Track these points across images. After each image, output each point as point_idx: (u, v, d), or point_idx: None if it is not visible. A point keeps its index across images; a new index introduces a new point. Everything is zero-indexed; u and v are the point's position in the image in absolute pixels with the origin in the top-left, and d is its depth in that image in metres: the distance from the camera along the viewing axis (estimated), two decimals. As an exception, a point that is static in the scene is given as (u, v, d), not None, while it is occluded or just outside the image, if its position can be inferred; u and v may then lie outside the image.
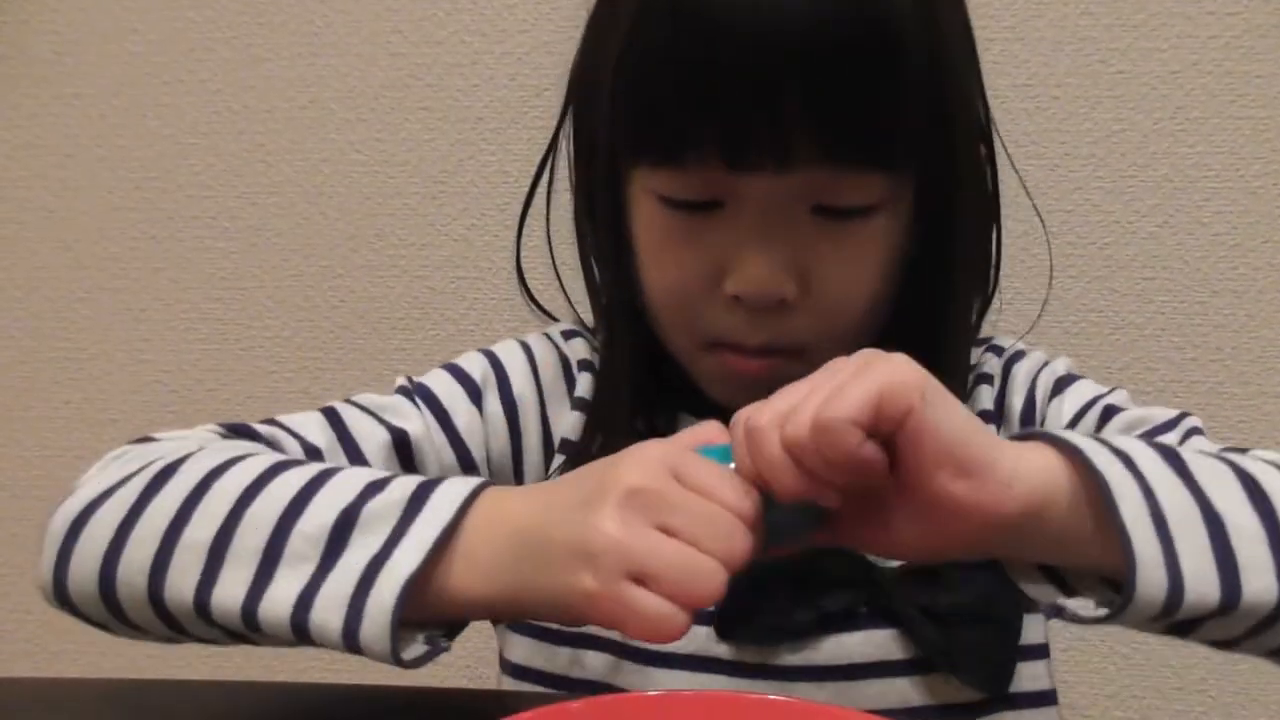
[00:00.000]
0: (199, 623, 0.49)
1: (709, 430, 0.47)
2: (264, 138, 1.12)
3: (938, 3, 0.55)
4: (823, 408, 0.41)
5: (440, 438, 0.63)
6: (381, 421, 0.63)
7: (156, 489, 0.49)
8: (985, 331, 0.70)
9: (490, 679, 0.69)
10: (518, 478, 0.65)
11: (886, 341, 0.53)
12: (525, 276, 0.70)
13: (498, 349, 0.68)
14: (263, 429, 0.59)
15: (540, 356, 0.68)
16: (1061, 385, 0.63)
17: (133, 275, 1.14)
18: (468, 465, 0.64)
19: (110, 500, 0.50)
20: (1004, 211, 0.98)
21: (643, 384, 0.62)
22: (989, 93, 0.98)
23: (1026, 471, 0.44)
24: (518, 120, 1.07)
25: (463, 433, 0.64)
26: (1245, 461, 0.48)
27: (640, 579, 0.41)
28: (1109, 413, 0.60)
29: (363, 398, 0.64)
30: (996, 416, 0.65)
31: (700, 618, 0.56)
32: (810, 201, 0.54)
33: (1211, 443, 0.57)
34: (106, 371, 1.16)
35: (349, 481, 0.48)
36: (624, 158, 0.57)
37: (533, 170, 1.08)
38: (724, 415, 0.48)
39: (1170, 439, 0.57)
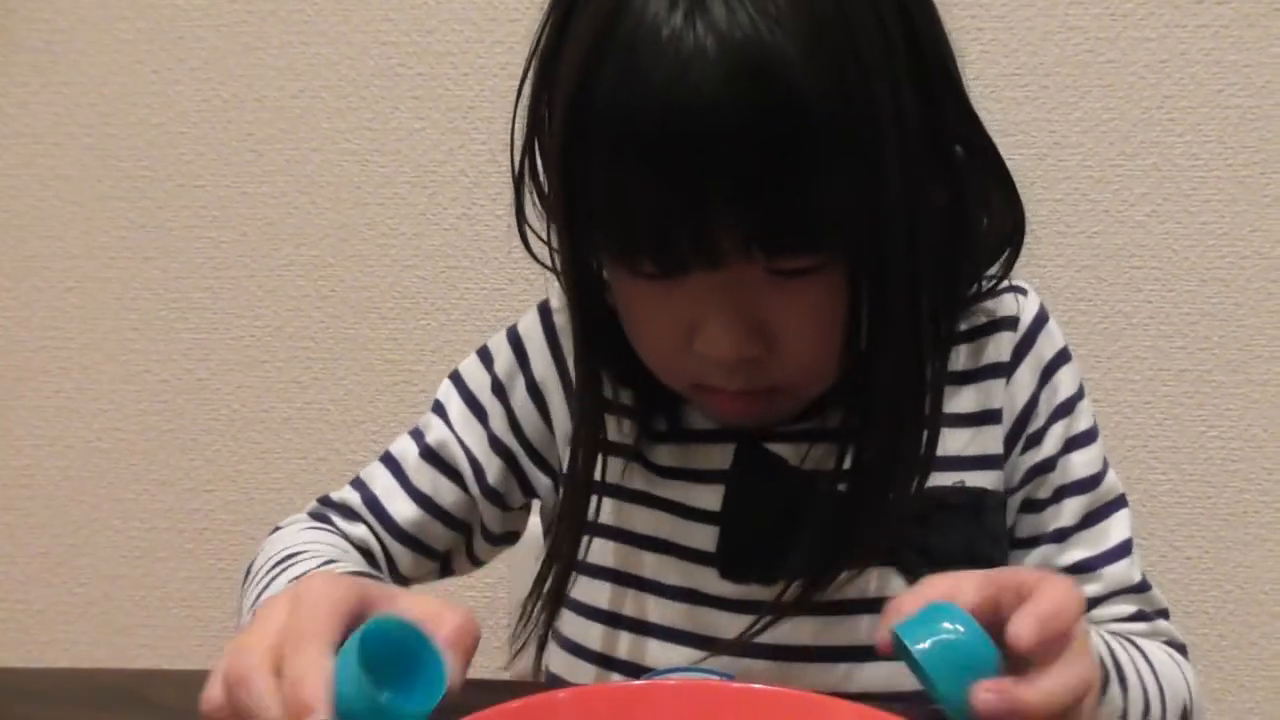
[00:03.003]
0: None
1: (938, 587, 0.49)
2: (254, 126, 1.11)
3: (854, 84, 0.52)
4: (1028, 693, 0.46)
5: (474, 431, 0.69)
6: (417, 443, 0.70)
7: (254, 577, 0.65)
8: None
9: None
10: (559, 443, 0.69)
11: (864, 370, 0.58)
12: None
13: (521, 327, 0.70)
14: (340, 496, 0.70)
15: (562, 329, 0.68)
16: (1069, 408, 0.66)
17: (122, 264, 1.14)
18: (496, 446, 0.69)
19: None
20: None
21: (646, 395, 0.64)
22: (979, 82, 0.99)
23: None
24: (509, 109, 1.07)
25: (491, 424, 0.69)
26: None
27: None
28: (1080, 487, 0.65)
29: (419, 423, 0.71)
30: (1010, 370, 0.65)
31: (704, 559, 0.63)
32: (763, 266, 0.55)
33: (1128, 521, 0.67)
34: (96, 361, 1.16)
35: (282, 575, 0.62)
36: (578, 239, 0.59)
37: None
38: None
39: (1114, 528, 0.65)
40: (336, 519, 0.69)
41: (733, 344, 0.56)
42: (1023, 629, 0.46)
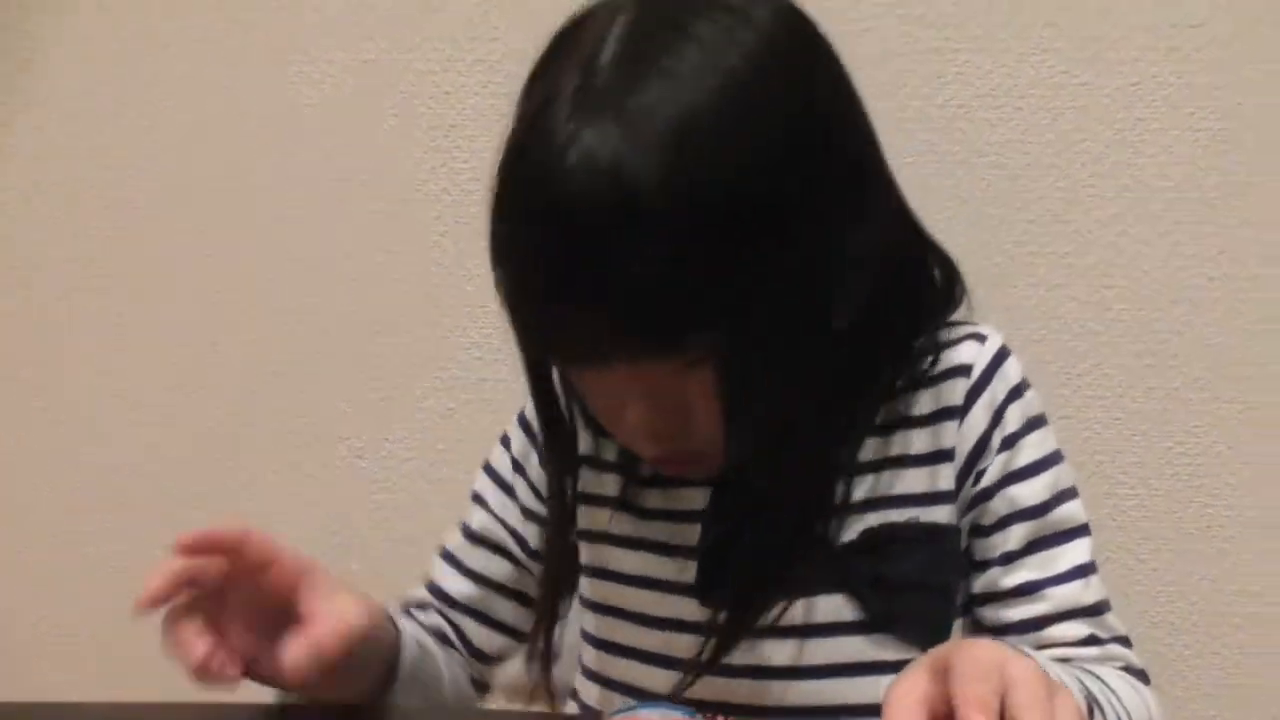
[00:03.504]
0: None
1: None
2: (235, 144, 1.12)
3: (717, 202, 0.57)
4: None
5: (508, 508, 0.79)
6: (463, 532, 0.81)
7: None
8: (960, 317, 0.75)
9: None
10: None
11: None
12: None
13: (529, 412, 0.78)
14: (419, 595, 0.81)
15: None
16: (1010, 442, 0.70)
17: (106, 282, 1.15)
18: (528, 514, 0.78)
19: None
20: (969, 219, 1.01)
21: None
22: (954, 104, 1.00)
23: None
24: (490, 127, 1.07)
25: (518, 495, 0.79)
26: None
27: None
28: (1028, 514, 0.69)
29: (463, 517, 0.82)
30: (961, 413, 0.69)
31: (687, 590, 0.70)
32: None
33: (1091, 554, 0.70)
34: (81, 377, 1.17)
35: None
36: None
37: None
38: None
39: (1065, 554, 0.69)
40: (415, 613, 0.80)
41: (647, 429, 0.63)
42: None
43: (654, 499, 0.71)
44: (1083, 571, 0.70)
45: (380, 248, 1.11)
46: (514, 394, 0.79)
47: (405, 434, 1.13)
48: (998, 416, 0.69)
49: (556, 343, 0.63)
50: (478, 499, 0.80)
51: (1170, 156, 1.00)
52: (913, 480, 0.69)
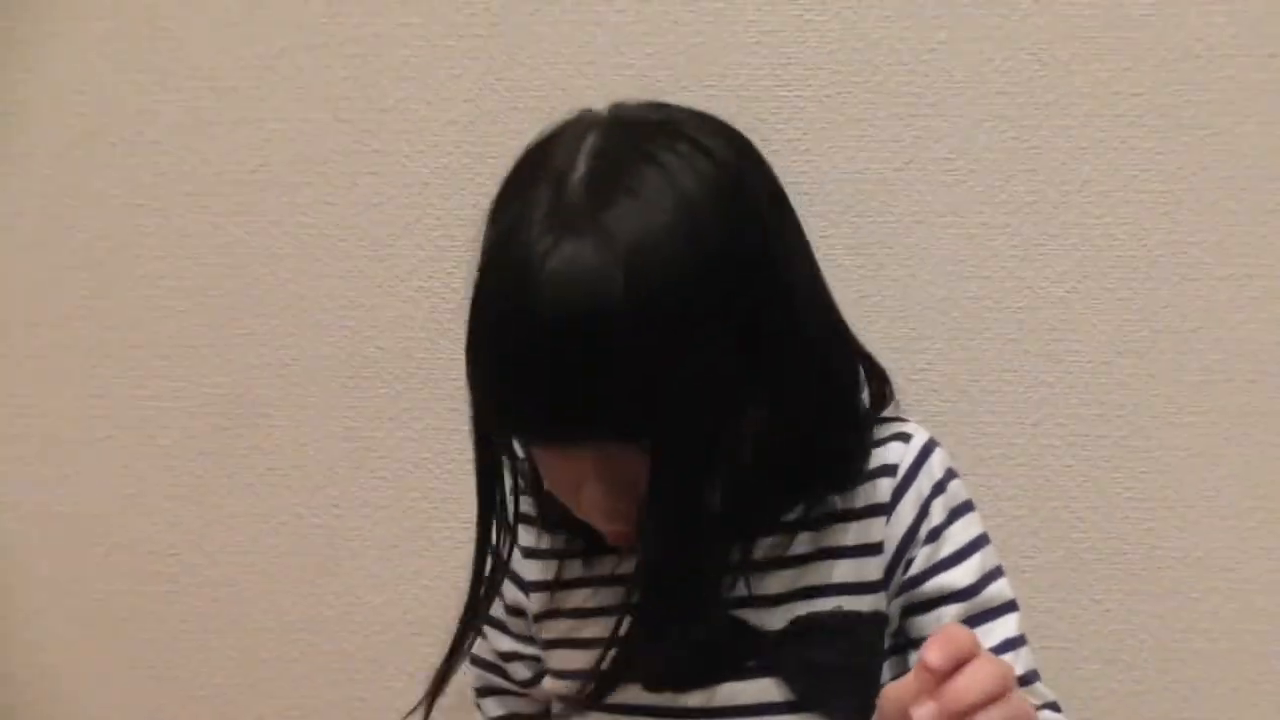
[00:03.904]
0: None
1: None
2: (211, 200, 1.14)
3: (672, 307, 0.64)
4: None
5: (497, 663, 0.89)
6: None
7: None
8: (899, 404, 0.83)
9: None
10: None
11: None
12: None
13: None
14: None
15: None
16: (936, 534, 0.77)
17: (83, 333, 1.16)
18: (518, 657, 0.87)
19: None
20: (927, 276, 1.06)
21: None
22: (913, 166, 1.05)
23: None
24: (463, 187, 1.11)
25: (499, 661, 0.89)
26: None
27: None
28: (960, 595, 0.77)
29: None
30: (889, 509, 0.77)
31: (633, 677, 0.76)
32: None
33: (1020, 629, 0.77)
34: (57, 427, 1.18)
35: None
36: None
37: (477, 234, 1.12)
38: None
39: (997, 629, 0.76)
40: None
41: (601, 504, 0.69)
42: (929, 651, 0.55)
43: (600, 597, 0.78)
44: (1013, 644, 0.76)
45: (353, 303, 1.13)
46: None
47: (380, 483, 1.15)
48: (924, 511, 0.77)
49: (527, 425, 0.69)
50: (471, 657, 0.88)
51: (1116, 217, 1.05)
52: (842, 571, 0.76)
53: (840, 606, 0.75)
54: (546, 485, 0.75)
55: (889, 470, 0.77)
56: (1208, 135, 1.04)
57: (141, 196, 1.14)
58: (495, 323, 0.66)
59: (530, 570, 0.83)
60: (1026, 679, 0.76)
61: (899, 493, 0.77)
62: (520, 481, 0.78)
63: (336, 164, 1.12)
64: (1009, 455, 1.07)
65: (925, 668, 0.54)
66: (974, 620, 0.76)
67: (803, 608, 0.75)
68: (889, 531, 0.76)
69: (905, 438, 0.79)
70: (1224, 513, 1.06)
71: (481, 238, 0.73)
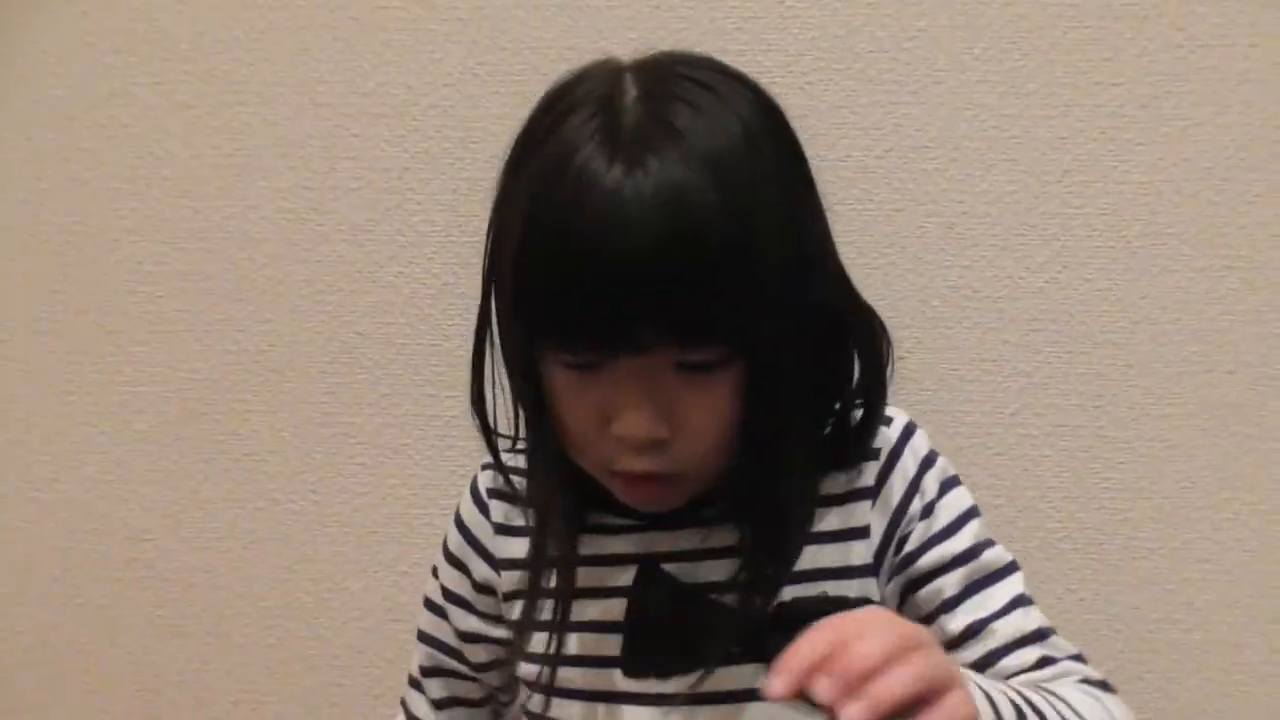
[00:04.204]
0: None
1: None
2: (190, 184, 1.13)
3: (754, 213, 0.65)
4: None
5: (449, 636, 0.85)
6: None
7: None
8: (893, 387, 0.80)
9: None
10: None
11: (742, 458, 0.70)
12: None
13: (451, 545, 0.84)
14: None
15: (467, 517, 0.83)
16: (930, 509, 0.76)
17: (58, 318, 1.15)
18: (471, 639, 0.84)
19: None
20: (907, 265, 1.06)
21: (569, 489, 0.76)
22: (894, 155, 1.05)
23: None
24: (444, 171, 1.11)
25: (456, 641, 0.85)
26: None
27: None
28: (959, 560, 0.75)
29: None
30: (874, 492, 0.76)
31: (612, 662, 0.75)
32: (672, 363, 0.67)
33: (1027, 588, 0.75)
34: (33, 414, 1.17)
35: None
36: (527, 333, 0.70)
37: (456, 219, 1.12)
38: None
39: (1001, 591, 0.74)
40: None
41: (643, 426, 0.67)
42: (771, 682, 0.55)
43: (582, 579, 0.76)
44: (1020, 602, 0.75)
45: (331, 288, 1.13)
46: (465, 431, 0.82)
47: (358, 469, 1.15)
48: (914, 487, 0.76)
49: (593, 334, 0.66)
50: (421, 635, 0.86)
51: (1095, 207, 1.05)
52: (826, 556, 0.75)
53: (826, 592, 0.74)
54: (570, 421, 0.71)
55: (872, 454, 0.76)
56: (1188, 126, 1.04)
57: (117, 181, 1.14)
58: (574, 247, 0.64)
59: (503, 547, 0.81)
60: (1042, 633, 0.74)
61: (884, 475, 0.76)
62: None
63: (315, 148, 1.12)
64: (986, 444, 1.08)
65: (771, 694, 0.54)
66: (975, 586, 0.74)
67: (787, 593, 0.73)
68: (875, 515, 0.75)
69: (886, 421, 0.78)
70: (1200, 503, 1.07)
71: (507, 181, 0.71)
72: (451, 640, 0.85)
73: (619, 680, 0.75)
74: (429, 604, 0.86)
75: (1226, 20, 1.03)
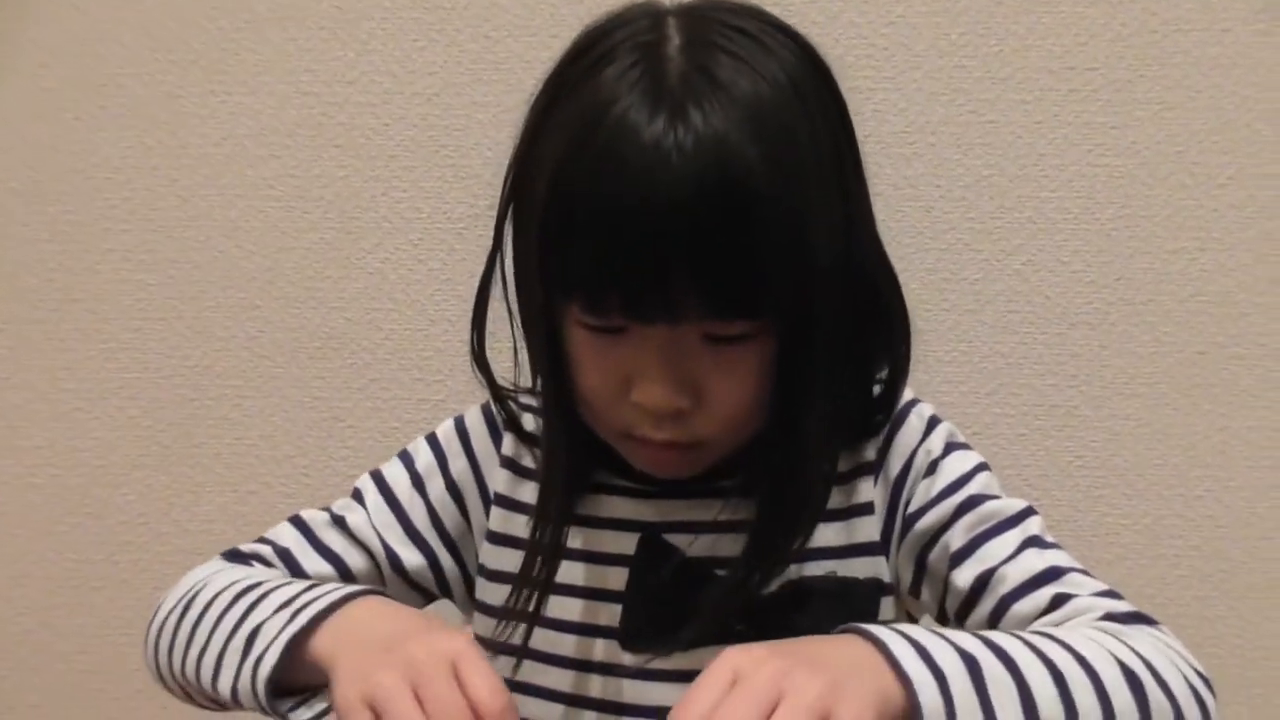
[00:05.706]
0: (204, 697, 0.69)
1: None
2: (178, 173, 1.15)
3: (799, 170, 0.62)
4: None
5: (385, 518, 0.77)
6: (329, 514, 0.78)
7: (178, 612, 0.72)
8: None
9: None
10: (475, 537, 0.78)
11: (768, 432, 0.66)
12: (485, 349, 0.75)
13: (440, 433, 0.79)
14: (251, 548, 0.77)
15: (472, 428, 0.79)
16: (934, 467, 0.72)
17: (50, 307, 1.17)
18: (415, 538, 0.77)
19: (158, 617, 0.74)
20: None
21: (577, 450, 0.72)
22: (872, 140, 1.06)
23: None
24: (429, 159, 1.12)
25: (410, 516, 0.77)
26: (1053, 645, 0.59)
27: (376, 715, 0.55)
28: (963, 508, 0.70)
29: (334, 505, 0.79)
30: (876, 468, 0.73)
31: (609, 633, 0.72)
32: (700, 333, 0.63)
33: (1047, 534, 0.69)
34: (27, 400, 1.19)
35: (265, 602, 0.67)
36: (550, 291, 0.66)
37: (442, 206, 1.13)
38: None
39: (1011, 536, 0.69)
40: (256, 566, 0.75)
41: (665, 395, 0.64)
42: None
43: (574, 539, 0.73)
44: (1032, 543, 0.69)
45: (319, 274, 1.14)
46: (452, 413, 0.82)
47: (348, 453, 1.17)
48: (917, 448, 0.72)
49: (624, 295, 0.62)
50: (357, 497, 0.78)
51: (1070, 190, 1.07)
52: (830, 534, 0.71)
53: (834, 572, 0.71)
54: (587, 383, 0.67)
55: (874, 428, 0.73)
56: (1162, 110, 1.06)
57: (107, 170, 1.15)
58: (609, 201, 0.60)
59: (501, 482, 0.76)
60: (1056, 570, 0.67)
61: (884, 450, 0.73)
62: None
63: (301, 136, 1.13)
64: (963, 425, 1.07)
65: None
66: (982, 536, 0.69)
67: (792, 571, 0.70)
68: (879, 490, 0.72)
69: None
70: (1171, 481, 1.09)
71: (535, 128, 0.66)
72: (393, 538, 0.76)
73: (618, 653, 0.72)
74: (385, 491, 0.78)
75: (1199, 6, 1.04)
